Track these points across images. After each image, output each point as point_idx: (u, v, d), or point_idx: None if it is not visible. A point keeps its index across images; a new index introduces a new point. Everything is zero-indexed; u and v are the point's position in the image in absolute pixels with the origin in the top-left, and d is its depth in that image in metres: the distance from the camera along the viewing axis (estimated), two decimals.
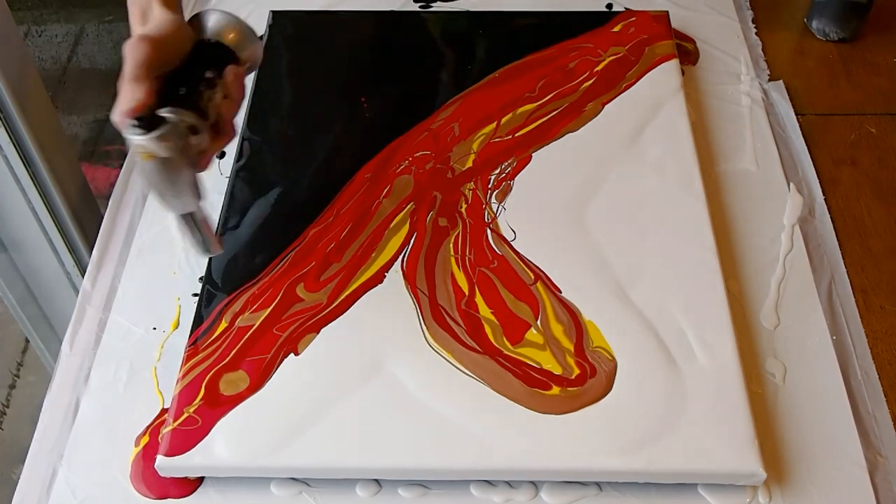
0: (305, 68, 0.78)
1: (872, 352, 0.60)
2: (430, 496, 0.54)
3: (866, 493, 0.54)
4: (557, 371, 0.56)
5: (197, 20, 0.55)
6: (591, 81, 0.75)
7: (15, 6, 0.73)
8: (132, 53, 0.49)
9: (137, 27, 0.53)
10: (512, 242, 0.64)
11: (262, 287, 0.61)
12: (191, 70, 0.53)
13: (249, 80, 0.79)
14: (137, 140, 0.48)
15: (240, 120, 0.74)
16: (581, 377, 0.56)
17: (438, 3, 0.87)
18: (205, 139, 0.52)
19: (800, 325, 0.61)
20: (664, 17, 0.81)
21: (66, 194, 0.79)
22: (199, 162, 0.53)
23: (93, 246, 0.68)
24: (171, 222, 0.69)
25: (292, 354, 0.58)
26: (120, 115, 0.48)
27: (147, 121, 0.48)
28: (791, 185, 0.70)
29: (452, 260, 0.63)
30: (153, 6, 0.53)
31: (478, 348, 0.58)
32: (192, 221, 0.55)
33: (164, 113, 0.49)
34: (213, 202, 0.70)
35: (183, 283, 0.65)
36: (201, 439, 0.54)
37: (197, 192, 0.53)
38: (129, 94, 0.48)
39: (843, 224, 0.69)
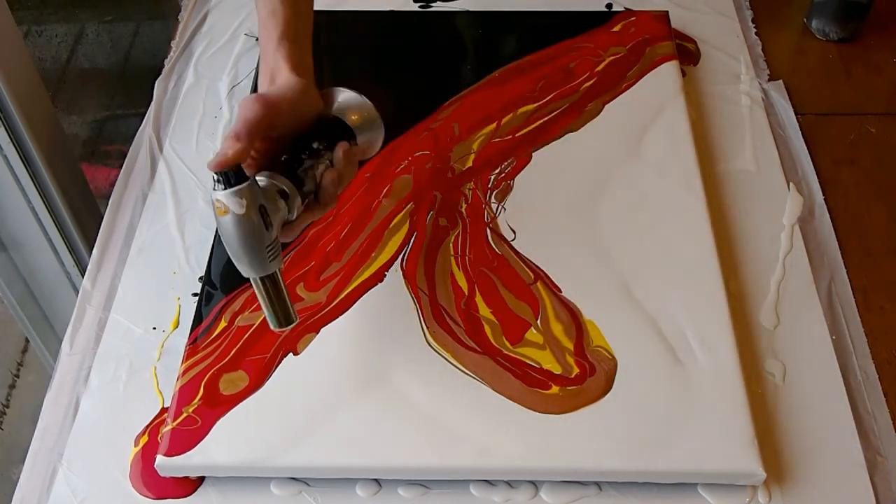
0: None
1: (872, 351, 0.60)
2: (430, 496, 0.54)
3: (866, 493, 0.53)
4: (557, 370, 0.56)
5: (329, 94, 0.55)
6: (591, 82, 0.75)
7: (15, 6, 0.73)
8: (243, 111, 0.49)
9: (263, 86, 0.53)
10: (512, 242, 0.64)
11: None
12: (306, 138, 0.53)
13: (249, 79, 0.79)
14: (213, 193, 0.48)
15: None
16: (581, 376, 0.56)
17: (438, 3, 0.87)
18: (295, 206, 0.51)
19: (799, 324, 0.61)
20: (664, 16, 0.81)
21: (66, 194, 0.79)
22: (287, 229, 0.52)
23: (93, 246, 0.68)
24: (170, 224, 0.69)
25: (291, 354, 0.58)
26: (208, 166, 0.47)
27: (227, 176, 0.47)
28: (791, 184, 0.70)
29: (452, 259, 0.63)
30: (281, 70, 0.52)
31: (477, 348, 0.58)
32: (265, 286, 0.51)
33: (259, 177, 0.49)
34: None
35: (183, 282, 0.65)
36: (201, 439, 0.53)
37: (272, 257, 0.50)
38: (222, 149, 0.47)
39: (843, 224, 0.69)
